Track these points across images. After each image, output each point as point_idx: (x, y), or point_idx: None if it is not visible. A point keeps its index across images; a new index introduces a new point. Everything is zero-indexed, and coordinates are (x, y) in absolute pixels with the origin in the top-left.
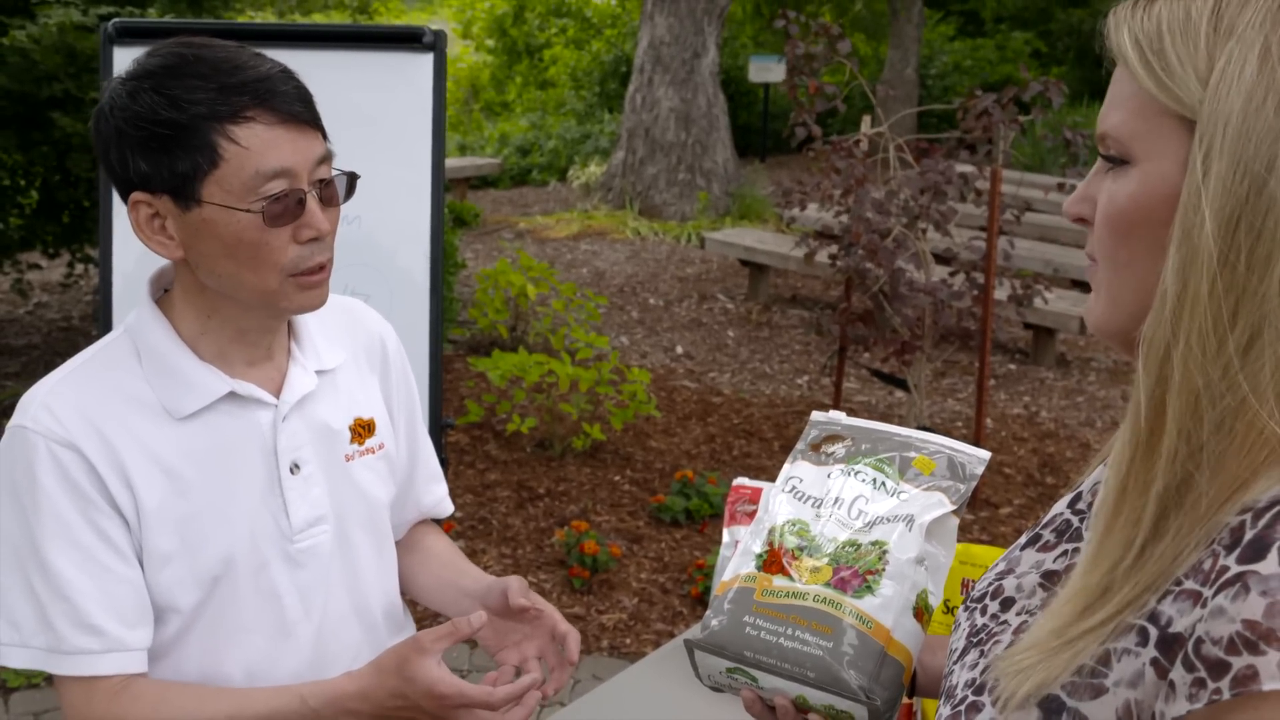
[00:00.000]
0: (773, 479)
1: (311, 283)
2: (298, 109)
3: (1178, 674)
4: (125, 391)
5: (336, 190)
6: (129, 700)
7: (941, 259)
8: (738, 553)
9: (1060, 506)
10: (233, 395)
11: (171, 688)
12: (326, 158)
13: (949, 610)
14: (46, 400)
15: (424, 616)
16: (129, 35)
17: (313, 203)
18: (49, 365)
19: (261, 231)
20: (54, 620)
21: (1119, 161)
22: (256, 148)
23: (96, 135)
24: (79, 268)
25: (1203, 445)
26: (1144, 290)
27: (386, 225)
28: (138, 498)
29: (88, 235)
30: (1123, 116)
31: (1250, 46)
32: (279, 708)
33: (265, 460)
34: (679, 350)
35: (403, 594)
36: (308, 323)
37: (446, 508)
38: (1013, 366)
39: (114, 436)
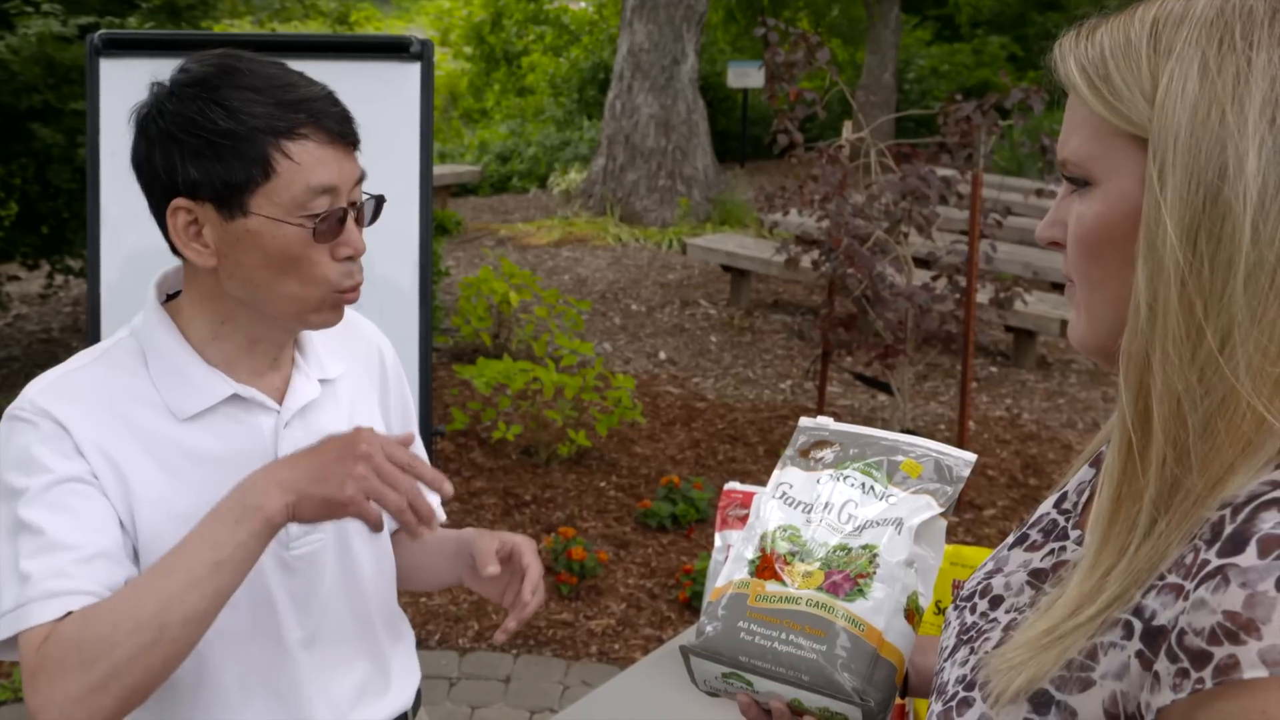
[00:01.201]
0: (758, 483)
1: (347, 300)
2: (346, 130)
3: (1162, 665)
4: (129, 389)
5: (365, 212)
6: (79, 623)
7: (923, 263)
8: (730, 559)
9: (1046, 506)
10: (236, 398)
11: (111, 597)
12: (362, 179)
13: (940, 611)
14: (44, 390)
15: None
16: (115, 47)
17: (351, 222)
18: (29, 377)
19: (306, 246)
20: (30, 572)
21: (1082, 183)
22: (308, 164)
23: (140, 137)
24: (58, 279)
25: (1190, 449)
26: (1119, 305)
27: (375, 235)
28: (131, 491)
29: (68, 247)
30: (1080, 141)
31: (1189, 63)
32: (192, 545)
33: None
34: (662, 356)
35: (411, 591)
36: (312, 333)
37: (440, 516)
38: (994, 369)
39: (113, 429)
